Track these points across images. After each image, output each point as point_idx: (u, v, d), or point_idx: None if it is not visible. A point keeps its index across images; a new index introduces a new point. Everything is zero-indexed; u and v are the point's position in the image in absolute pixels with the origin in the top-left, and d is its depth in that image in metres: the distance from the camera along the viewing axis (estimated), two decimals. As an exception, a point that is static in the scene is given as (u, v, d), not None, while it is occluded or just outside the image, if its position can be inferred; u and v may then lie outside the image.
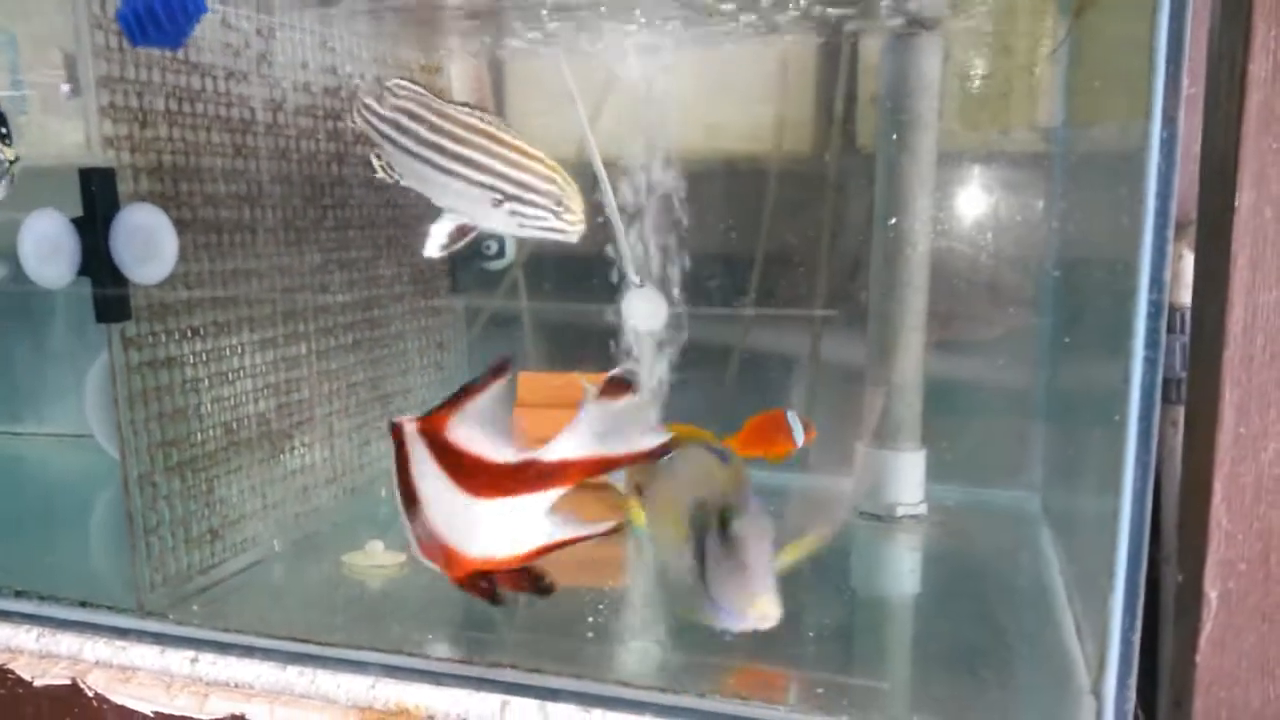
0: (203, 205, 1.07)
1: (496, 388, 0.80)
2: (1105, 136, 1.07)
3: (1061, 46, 1.29)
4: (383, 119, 0.88)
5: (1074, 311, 1.16)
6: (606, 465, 0.79)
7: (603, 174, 1.42)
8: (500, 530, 0.79)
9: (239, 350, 1.13)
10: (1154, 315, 0.73)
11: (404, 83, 0.88)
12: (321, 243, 1.25)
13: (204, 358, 1.08)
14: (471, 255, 1.56)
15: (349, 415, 1.32)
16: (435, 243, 0.91)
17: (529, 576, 0.80)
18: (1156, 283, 0.73)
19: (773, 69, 1.45)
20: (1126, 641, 0.77)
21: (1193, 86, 0.76)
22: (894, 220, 1.23)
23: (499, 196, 0.85)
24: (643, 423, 0.77)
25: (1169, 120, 0.72)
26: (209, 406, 1.09)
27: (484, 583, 0.81)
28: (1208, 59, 0.79)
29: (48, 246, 0.96)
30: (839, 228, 1.42)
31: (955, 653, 0.97)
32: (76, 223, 0.96)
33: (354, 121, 0.90)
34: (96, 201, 0.95)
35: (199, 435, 1.08)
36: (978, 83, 1.33)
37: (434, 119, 0.86)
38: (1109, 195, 0.98)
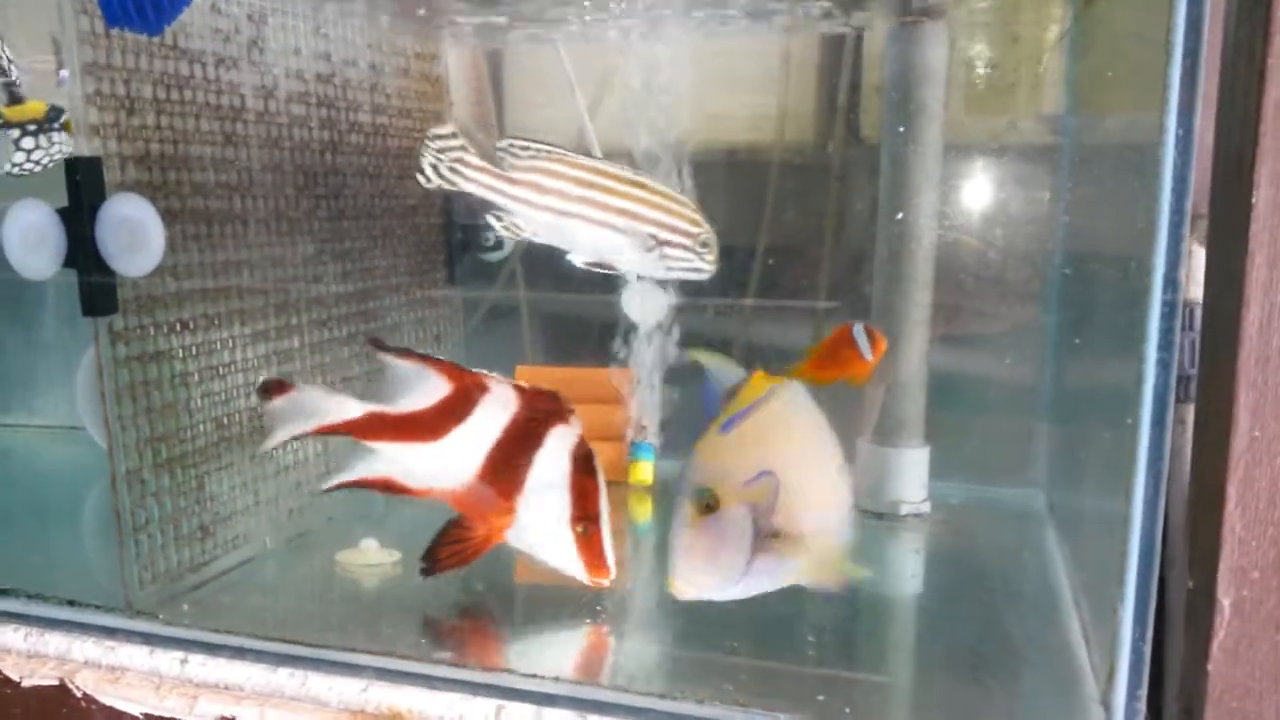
0: (192, 195, 1.04)
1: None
2: (1115, 129, 1.05)
3: (1068, 35, 1.26)
4: (513, 182, 0.90)
5: (1081, 307, 1.14)
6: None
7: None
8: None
9: (230, 344, 1.11)
10: (1168, 316, 0.71)
11: (524, 141, 0.91)
12: (315, 233, 1.22)
13: (194, 351, 1.06)
14: (468, 246, 1.54)
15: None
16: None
17: None
18: (1171, 283, 0.71)
19: (775, 59, 1.43)
20: (1137, 652, 0.75)
21: (1206, 79, 0.74)
22: (901, 215, 1.20)
23: (652, 242, 0.88)
24: None
25: (1185, 116, 0.69)
26: (199, 401, 1.07)
27: None
28: (1223, 50, 0.76)
29: (33, 237, 0.95)
30: (842, 220, 1.40)
31: (960, 656, 0.95)
32: (62, 213, 0.94)
33: (445, 183, 0.92)
34: (82, 191, 0.93)
35: (189, 430, 1.06)
36: (984, 72, 1.30)
37: (579, 174, 0.90)
38: (1118, 189, 0.96)
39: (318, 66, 1.22)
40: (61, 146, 1.17)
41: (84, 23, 0.93)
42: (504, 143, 0.91)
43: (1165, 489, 0.74)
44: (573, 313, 1.49)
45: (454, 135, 0.92)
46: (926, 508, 1.27)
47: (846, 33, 1.37)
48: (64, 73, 1.32)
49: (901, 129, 1.23)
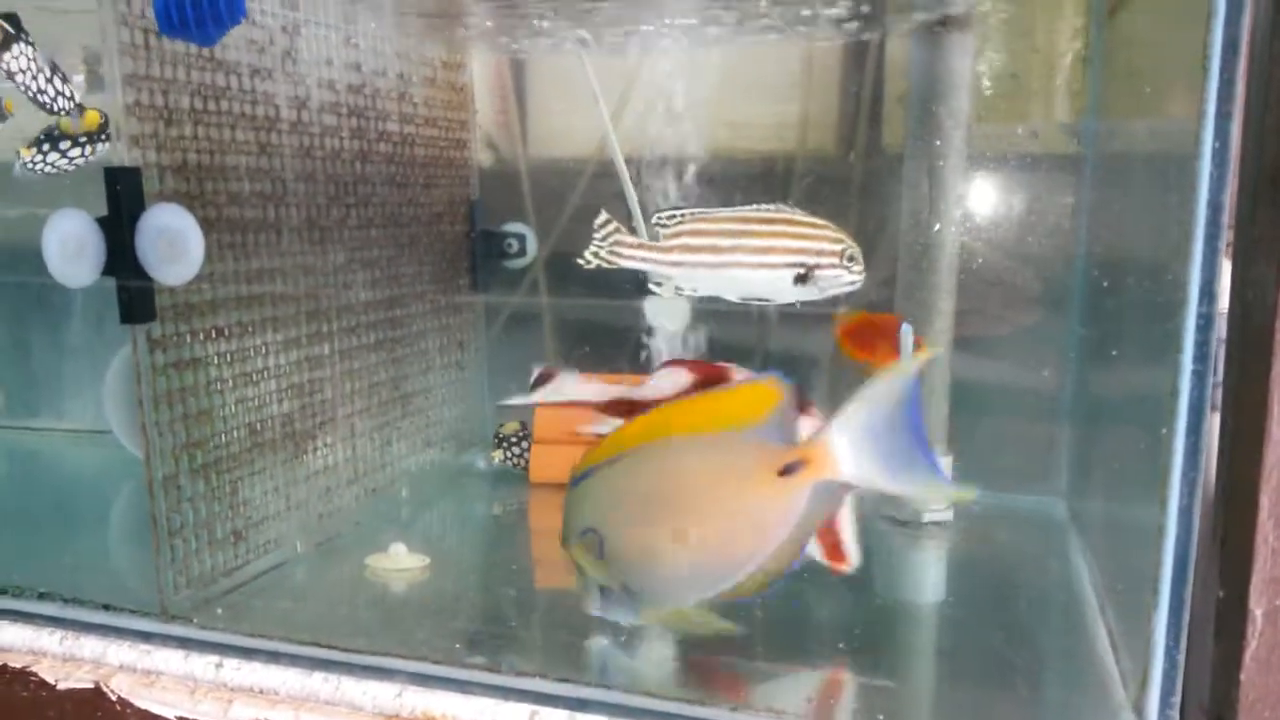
0: (228, 204, 1.06)
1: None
2: (1141, 138, 1.05)
3: (1092, 45, 1.27)
4: (666, 250, 0.97)
5: (1106, 316, 1.15)
6: None
7: (624, 172, 1.41)
8: None
9: (263, 350, 1.12)
10: (1204, 328, 0.72)
11: (670, 211, 0.97)
12: (345, 241, 1.24)
13: (228, 358, 1.07)
14: (492, 253, 1.55)
15: (371, 415, 1.31)
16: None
17: None
18: (1207, 295, 0.71)
19: (797, 67, 1.44)
20: (1170, 659, 0.76)
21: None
22: (937, 227, 1.21)
23: (802, 271, 0.93)
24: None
25: (1222, 131, 0.70)
26: (233, 407, 1.08)
27: None
28: (1253, 63, 0.77)
29: (72, 246, 0.95)
30: (864, 228, 1.40)
31: (986, 664, 0.96)
32: (101, 222, 0.95)
33: (606, 264, 1.00)
34: (122, 201, 0.94)
35: (223, 436, 1.07)
36: (1007, 81, 1.31)
37: (724, 227, 0.95)
38: (1146, 199, 0.96)
39: (349, 77, 1.24)
40: (100, 151, 1.18)
41: (124, 34, 0.94)
42: (654, 217, 0.98)
43: (1199, 497, 0.75)
44: (595, 319, 1.50)
45: (609, 222, 1.00)
46: (949, 516, 1.27)
47: (870, 41, 1.37)
48: (78, 78, 1.34)
49: (926, 138, 1.24)
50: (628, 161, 1.42)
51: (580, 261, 1.01)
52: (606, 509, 0.84)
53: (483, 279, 1.55)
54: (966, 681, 0.94)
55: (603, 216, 1.00)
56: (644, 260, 0.99)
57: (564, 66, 1.51)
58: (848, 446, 0.75)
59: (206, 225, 0.98)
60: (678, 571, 0.81)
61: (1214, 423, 0.83)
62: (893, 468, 0.75)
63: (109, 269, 0.95)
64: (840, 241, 0.95)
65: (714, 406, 0.81)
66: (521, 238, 1.54)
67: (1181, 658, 0.76)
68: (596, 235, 1.00)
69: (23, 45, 0.96)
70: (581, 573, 0.87)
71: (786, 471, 0.76)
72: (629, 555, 0.82)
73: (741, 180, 1.43)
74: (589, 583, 0.86)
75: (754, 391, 0.80)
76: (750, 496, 0.78)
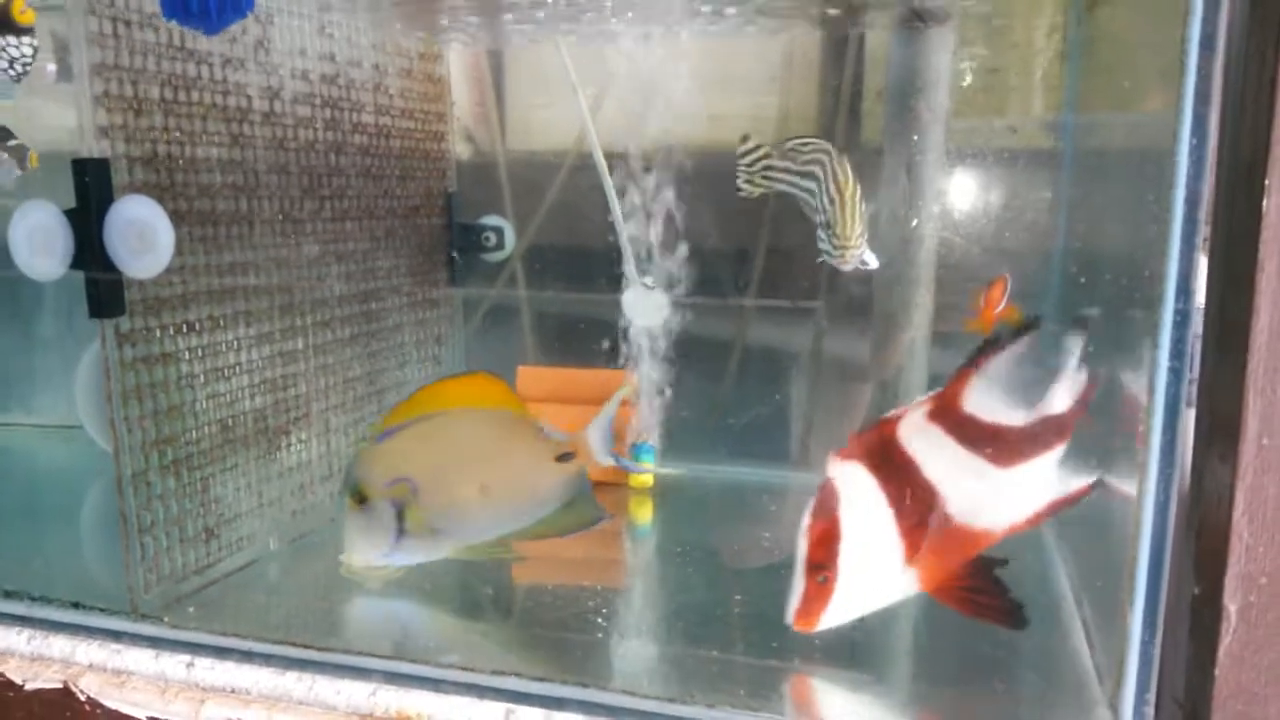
0: (198, 196, 1.04)
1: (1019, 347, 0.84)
2: (1120, 135, 1.05)
3: (1070, 40, 1.27)
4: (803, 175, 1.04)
5: (1081, 309, 1.15)
6: (1086, 404, 0.85)
7: (603, 164, 1.40)
8: (1023, 495, 0.83)
9: (235, 345, 1.10)
10: (1180, 325, 0.72)
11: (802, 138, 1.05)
12: (319, 234, 1.22)
13: (199, 353, 1.06)
14: (469, 247, 1.54)
15: (345, 410, 1.30)
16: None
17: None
18: (1184, 292, 0.71)
19: (776, 60, 1.43)
20: (1146, 655, 0.76)
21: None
22: (916, 222, 1.21)
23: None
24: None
25: (1199, 128, 0.70)
26: (204, 403, 1.07)
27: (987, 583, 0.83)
28: (1230, 59, 0.77)
29: (40, 238, 0.94)
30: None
31: (962, 660, 0.96)
32: (69, 214, 0.93)
33: (763, 189, 1.05)
34: (90, 193, 0.92)
35: (194, 432, 1.06)
36: (986, 76, 1.31)
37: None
38: (1124, 194, 0.97)
39: (323, 67, 1.22)
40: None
41: (92, 24, 0.92)
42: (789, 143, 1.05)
43: (1175, 493, 0.75)
44: (573, 313, 1.49)
45: (757, 146, 1.04)
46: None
47: (849, 35, 1.37)
48: (50, 67, 1.32)
49: (904, 132, 1.24)
50: (606, 154, 1.41)
51: (739, 192, 1.04)
52: (419, 462, 0.99)
53: (460, 272, 1.54)
54: (942, 678, 0.94)
55: (749, 143, 1.03)
56: (793, 184, 1.04)
57: (542, 58, 1.50)
58: (598, 443, 1.03)
59: (177, 218, 0.97)
60: (479, 517, 1.01)
61: (1190, 419, 0.84)
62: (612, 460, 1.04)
63: (77, 262, 0.94)
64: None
65: (484, 388, 1.04)
66: (499, 231, 1.53)
67: (1156, 653, 0.76)
68: (743, 161, 1.02)
69: None
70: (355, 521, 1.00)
71: (563, 458, 1.02)
72: (440, 501, 0.99)
73: (720, 173, 1.42)
74: (365, 528, 0.99)
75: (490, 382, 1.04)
76: (533, 469, 1.02)
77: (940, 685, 0.94)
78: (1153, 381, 0.73)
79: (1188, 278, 0.72)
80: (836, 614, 0.84)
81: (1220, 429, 0.75)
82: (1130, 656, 0.77)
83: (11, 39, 0.91)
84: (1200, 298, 0.80)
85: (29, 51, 0.92)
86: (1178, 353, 0.72)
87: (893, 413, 0.83)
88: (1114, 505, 0.85)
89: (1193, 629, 0.79)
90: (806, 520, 0.82)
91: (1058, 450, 0.84)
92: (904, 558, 0.82)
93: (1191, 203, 0.71)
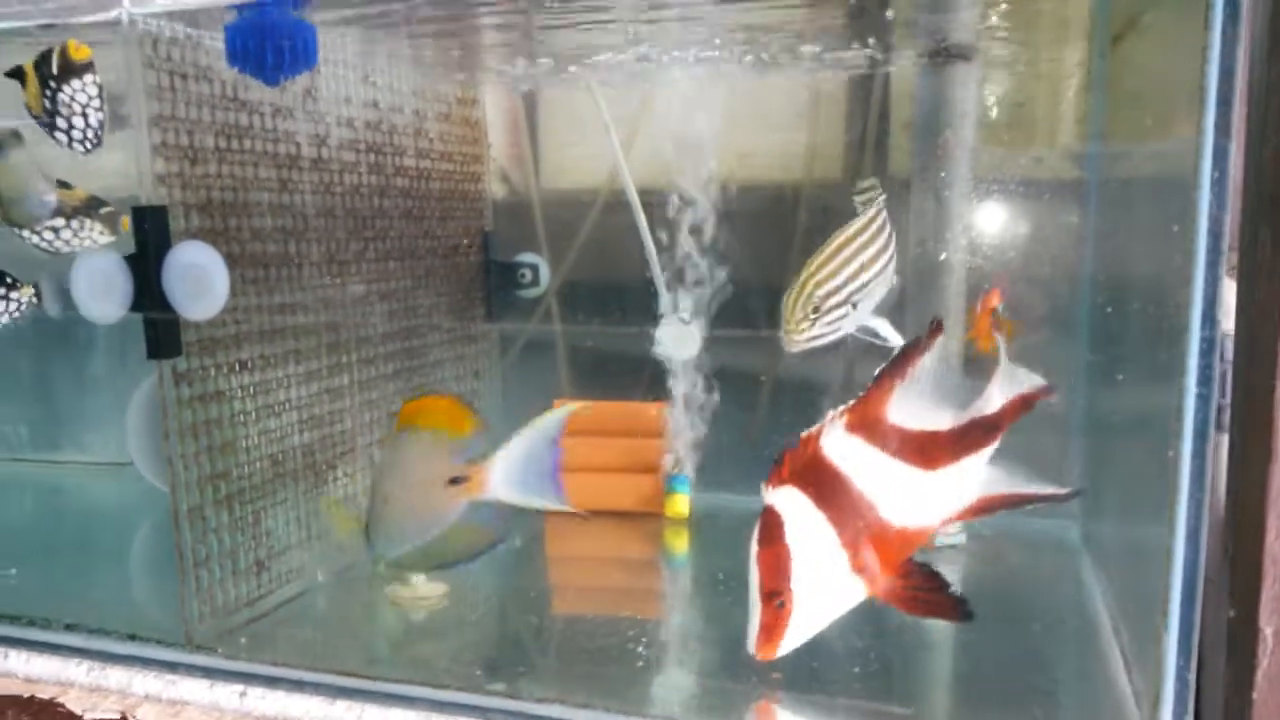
0: (250, 240, 1.08)
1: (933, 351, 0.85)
2: (1144, 166, 1.07)
3: (1095, 73, 1.29)
4: None
5: (1113, 339, 1.16)
6: (1031, 404, 0.87)
7: (636, 202, 1.43)
8: (950, 495, 0.85)
9: (284, 382, 1.14)
10: (1206, 352, 0.73)
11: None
12: (363, 274, 1.26)
13: (251, 391, 1.09)
14: (505, 284, 1.57)
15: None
16: None
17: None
18: (1209, 320, 0.73)
19: (805, 97, 1.46)
20: (1182, 679, 0.77)
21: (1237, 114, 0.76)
22: (944, 256, 1.23)
23: None
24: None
25: (1220, 160, 0.72)
26: (255, 439, 1.10)
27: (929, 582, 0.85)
28: (1253, 90, 0.79)
29: (100, 283, 0.98)
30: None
31: (1002, 685, 0.96)
32: (129, 260, 0.97)
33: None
34: (149, 239, 0.96)
35: (246, 468, 1.09)
36: (1011, 109, 1.33)
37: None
38: (1149, 224, 0.98)
39: (367, 114, 1.26)
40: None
41: (150, 78, 0.97)
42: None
43: (1207, 519, 0.76)
44: (608, 347, 1.52)
45: (873, 185, 1.03)
46: (962, 539, 1.28)
47: (876, 72, 1.40)
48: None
49: (931, 165, 1.26)
50: (638, 192, 1.44)
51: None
52: (373, 475, 1.10)
53: (497, 309, 1.57)
54: (982, 704, 0.95)
55: (869, 181, 1.02)
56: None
57: (575, 100, 1.54)
58: (499, 474, 1.02)
59: (230, 261, 1.00)
60: (381, 529, 1.05)
61: (1223, 443, 0.84)
62: (527, 491, 1.03)
63: (136, 305, 0.97)
64: None
65: (436, 408, 1.05)
66: (535, 268, 1.57)
67: (1192, 677, 0.77)
68: (859, 199, 1.01)
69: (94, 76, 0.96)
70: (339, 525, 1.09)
71: (454, 482, 1.02)
72: (369, 512, 1.06)
73: (750, 209, 1.45)
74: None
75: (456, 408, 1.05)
76: (426, 490, 1.03)
77: (980, 713, 0.94)
78: (1181, 407, 0.74)
79: (1212, 306, 0.73)
80: (796, 636, 0.85)
81: (1251, 453, 0.76)
82: (1166, 681, 0.78)
83: (75, 83, 0.93)
84: (1229, 323, 0.82)
85: (94, 91, 0.94)
86: (1205, 379, 0.74)
87: (811, 430, 0.84)
88: (1150, 532, 0.86)
89: (1230, 652, 0.79)
90: (754, 549, 0.83)
91: (987, 450, 0.86)
92: (850, 569, 0.84)
93: (1214, 234, 0.72)
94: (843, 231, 0.97)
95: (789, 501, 0.83)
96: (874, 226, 0.98)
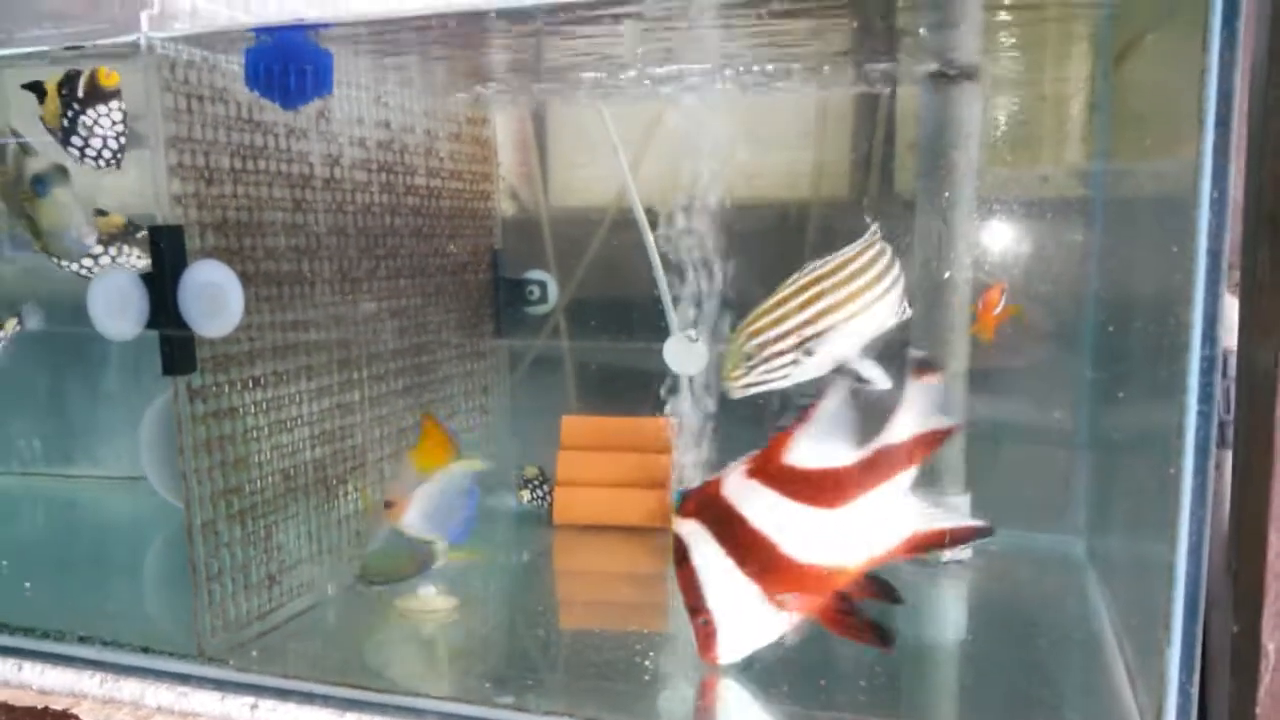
0: (264, 259, 1.10)
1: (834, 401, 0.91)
2: (1147, 184, 1.08)
3: (1098, 93, 1.30)
4: None
5: (1117, 356, 1.17)
6: (939, 440, 0.90)
7: (644, 220, 1.45)
8: (866, 530, 0.91)
9: (297, 399, 1.15)
10: (1207, 370, 0.74)
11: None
12: (374, 292, 1.28)
13: (264, 406, 1.11)
14: (514, 301, 1.59)
15: (399, 460, 1.34)
16: None
17: (879, 586, 0.92)
18: (1209, 339, 0.74)
19: (811, 117, 1.48)
20: (1185, 694, 0.77)
21: (1237, 128, 0.77)
22: (948, 274, 1.24)
23: None
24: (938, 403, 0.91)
25: (1220, 180, 0.73)
26: (268, 454, 1.12)
27: (849, 610, 0.91)
28: (1252, 111, 0.80)
29: (116, 301, 0.99)
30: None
31: (1007, 702, 0.97)
32: (145, 278, 0.99)
33: None
34: (165, 258, 0.98)
35: (259, 482, 1.10)
36: (1016, 128, 1.34)
37: None
38: (1151, 242, 0.99)
39: (378, 134, 1.28)
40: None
41: (168, 100, 0.98)
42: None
43: (1209, 535, 0.77)
44: (616, 363, 1.53)
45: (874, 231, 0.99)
46: (967, 555, 1.29)
47: (881, 92, 1.41)
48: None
49: (936, 184, 1.27)
50: (646, 210, 1.46)
51: None
52: None
53: (506, 325, 1.58)
54: (987, 717, 0.96)
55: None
56: None
57: (584, 118, 1.56)
58: (414, 509, 1.11)
59: (244, 279, 1.02)
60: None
61: (1226, 459, 0.85)
62: (437, 527, 1.11)
63: (152, 323, 0.99)
64: None
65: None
66: (543, 285, 1.58)
67: (1195, 692, 0.78)
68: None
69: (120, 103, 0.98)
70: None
71: (387, 505, 1.12)
72: None
73: (757, 227, 1.46)
74: None
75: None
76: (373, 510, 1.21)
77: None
78: (1183, 425, 0.75)
79: (1213, 324, 0.74)
80: (732, 649, 0.94)
81: (1253, 469, 0.77)
82: (1169, 697, 0.78)
83: (101, 108, 0.96)
84: (1230, 340, 0.83)
85: (119, 117, 0.97)
86: (1205, 397, 0.75)
87: (716, 475, 0.94)
88: (1153, 548, 0.87)
89: (1233, 668, 0.80)
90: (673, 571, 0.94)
91: (900, 481, 0.90)
92: (765, 597, 0.91)
93: (1214, 254, 0.73)
94: (801, 274, 0.96)
95: (692, 533, 0.93)
96: (851, 267, 0.96)
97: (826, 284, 0.94)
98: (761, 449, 0.92)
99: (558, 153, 1.61)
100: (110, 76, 0.95)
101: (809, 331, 0.93)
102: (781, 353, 0.93)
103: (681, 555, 0.94)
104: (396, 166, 1.32)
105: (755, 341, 0.93)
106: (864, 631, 0.91)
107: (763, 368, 0.93)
